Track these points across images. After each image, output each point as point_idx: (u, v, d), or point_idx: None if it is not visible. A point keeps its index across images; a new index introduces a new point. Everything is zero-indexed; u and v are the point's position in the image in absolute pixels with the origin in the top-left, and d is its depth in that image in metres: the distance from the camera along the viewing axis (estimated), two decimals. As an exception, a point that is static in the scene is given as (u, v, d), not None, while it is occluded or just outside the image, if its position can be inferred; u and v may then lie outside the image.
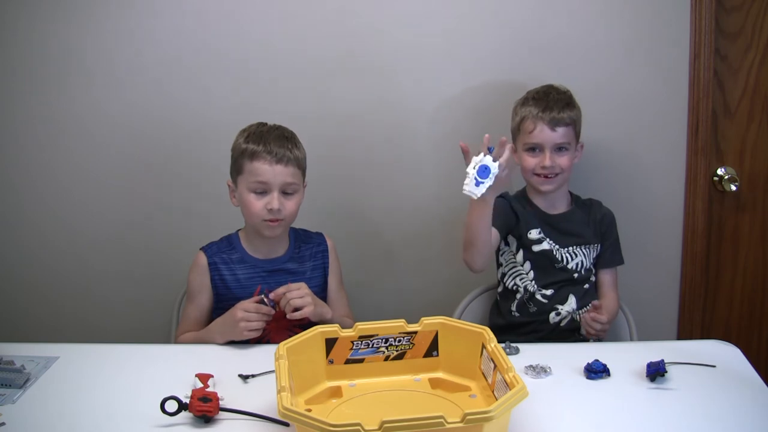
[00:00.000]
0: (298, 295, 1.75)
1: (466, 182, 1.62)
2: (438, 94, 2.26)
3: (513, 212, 2.01)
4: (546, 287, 1.98)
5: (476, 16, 2.21)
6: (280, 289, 1.77)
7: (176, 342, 1.91)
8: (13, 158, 2.31)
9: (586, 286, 1.99)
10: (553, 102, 1.94)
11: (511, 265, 2.02)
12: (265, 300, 1.76)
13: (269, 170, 1.80)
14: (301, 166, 1.85)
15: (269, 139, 1.82)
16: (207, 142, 2.28)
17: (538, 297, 1.98)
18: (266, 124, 1.89)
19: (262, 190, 1.82)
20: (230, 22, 2.21)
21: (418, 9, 2.21)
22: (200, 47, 2.22)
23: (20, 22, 2.21)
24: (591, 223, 2.03)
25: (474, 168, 1.62)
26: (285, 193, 1.82)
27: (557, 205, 2.04)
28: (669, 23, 2.19)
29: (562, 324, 1.97)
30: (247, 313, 1.73)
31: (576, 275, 1.98)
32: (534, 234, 1.99)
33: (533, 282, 1.98)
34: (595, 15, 2.20)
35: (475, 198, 1.63)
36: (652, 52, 2.21)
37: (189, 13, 2.21)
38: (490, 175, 1.63)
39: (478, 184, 1.61)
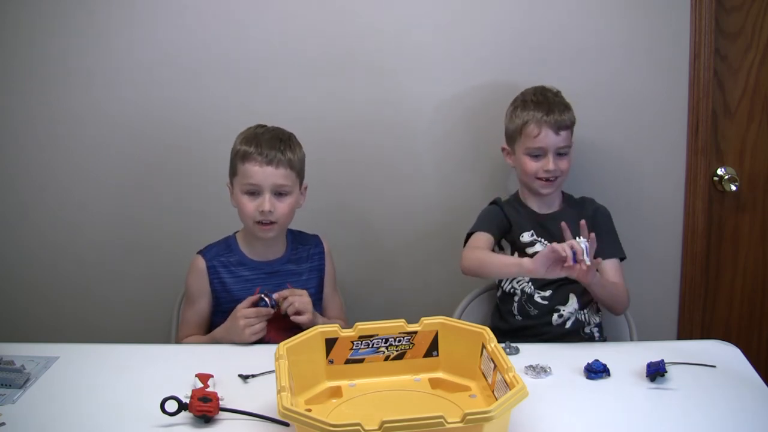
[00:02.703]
0: (300, 300, 1.79)
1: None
2: (438, 95, 2.26)
3: (506, 218, 2.01)
4: (543, 288, 1.97)
5: (476, 16, 2.21)
6: (285, 292, 1.80)
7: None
8: (13, 158, 2.31)
9: None
10: (553, 105, 1.94)
11: None
12: (265, 299, 1.77)
13: (260, 172, 1.80)
14: (294, 167, 1.84)
15: (261, 141, 1.83)
16: (207, 142, 2.28)
17: (537, 299, 1.97)
18: (265, 126, 1.90)
19: (254, 192, 1.82)
20: (230, 23, 2.21)
21: (417, 9, 2.21)
22: (200, 47, 2.22)
23: (20, 22, 2.21)
24: (584, 218, 2.02)
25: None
26: (278, 194, 1.82)
27: (550, 205, 2.04)
28: (669, 23, 2.19)
29: (566, 326, 1.96)
30: (249, 318, 1.75)
31: None
32: (526, 237, 1.99)
33: (530, 284, 1.98)
34: (595, 15, 2.20)
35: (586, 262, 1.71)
36: (652, 52, 2.21)
37: (189, 13, 2.21)
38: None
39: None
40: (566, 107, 1.97)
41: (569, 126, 1.95)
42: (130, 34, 2.22)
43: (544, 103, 1.95)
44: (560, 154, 1.95)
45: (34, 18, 2.20)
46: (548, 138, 1.93)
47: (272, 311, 1.77)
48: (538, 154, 1.95)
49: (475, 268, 1.90)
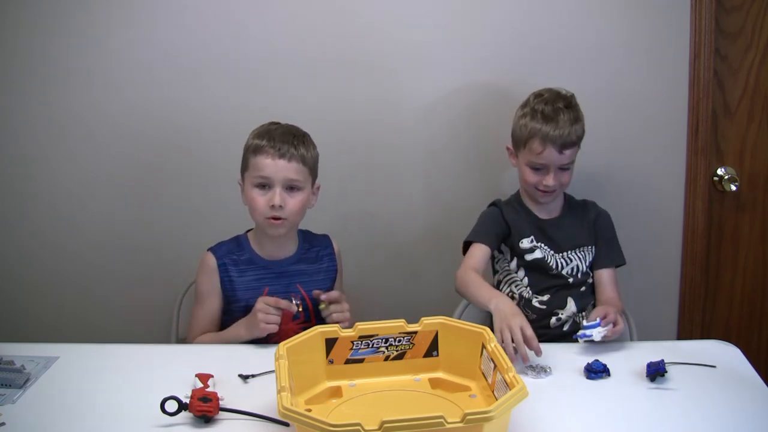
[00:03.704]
0: (340, 310, 1.77)
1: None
2: (438, 94, 2.26)
3: (505, 222, 1.99)
4: (541, 293, 1.97)
5: (476, 16, 2.21)
6: (333, 294, 1.79)
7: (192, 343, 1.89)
8: (13, 158, 2.31)
9: (583, 288, 1.98)
10: (562, 122, 1.87)
11: (506, 273, 2.01)
12: (294, 302, 1.76)
13: (271, 165, 1.79)
14: (307, 163, 1.83)
15: (275, 135, 1.81)
16: (207, 142, 2.28)
17: (535, 303, 1.96)
18: (279, 123, 1.88)
19: (265, 185, 1.81)
20: (230, 23, 2.21)
21: (417, 9, 2.21)
22: (200, 47, 2.22)
23: (20, 22, 2.21)
24: (585, 224, 2.01)
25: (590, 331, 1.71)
26: (289, 189, 1.81)
27: (551, 210, 2.02)
28: (669, 23, 2.19)
29: (564, 328, 1.96)
30: (266, 305, 1.73)
31: (571, 279, 1.97)
32: (526, 243, 1.97)
33: (528, 288, 1.97)
34: (595, 15, 2.20)
35: (579, 341, 1.72)
36: (652, 52, 2.21)
37: (189, 13, 2.21)
38: (593, 336, 1.70)
39: (585, 332, 1.71)
40: (576, 120, 1.90)
41: (575, 143, 1.90)
42: (130, 34, 2.22)
43: (553, 118, 1.88)
44: (563, 168, 1.92)
45: (34, 18, 2.20)
46: (551, 156, 1.88)
47: (294, 309, 1.76)
48: (539, 168, 1.92)
49: (462, 292, 1.90)
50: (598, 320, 1.71)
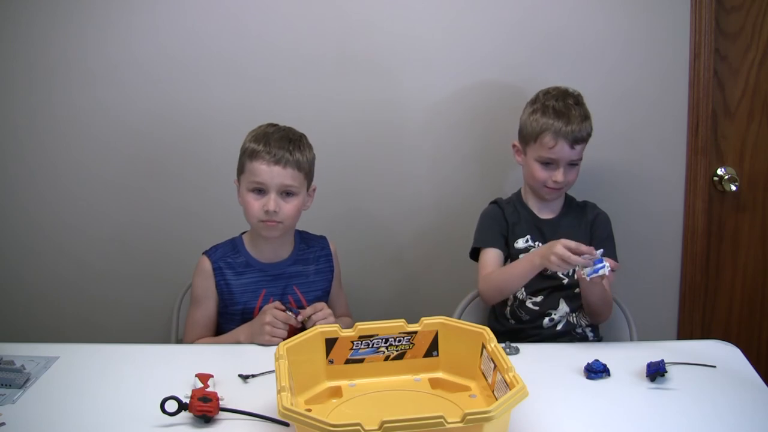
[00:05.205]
0: (322, 316, 1.77)
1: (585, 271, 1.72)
2: (440, 94, 2.26)
3: (505, 221, 2.00)
4: (535, 294, 1.97)
5: (476, 16, 2.21)
6: (308, 311, 1.78)
7: None
8: (13, 158, 2.31)
9: (577, 289, 1.98)
10: (573, 117, 1.89)
11: None
12: (291, 314, 1.76)
13: (267, 171, 1.79)
14: (302, 168, 1.82)
15: (271, 140, 1.81)
16: (207, 142, 2.28)
17: (528, 305, 1.96)
18: (276, 125, 1.88)
19: (260, 190, 1.81)
20: (231, 22, 2.21)
21: (419, 9, 2.21)
22: (201, 47, 2.22)
23: (21, 21, 2.21)
24: (583, 225, 2.01)
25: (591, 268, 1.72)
26: (284, 194, 1.82)
27: (551, 210, 2.02)
28: (669, 23, 2.19)
29: (558, 328, 1.96)
30: (276, 320, 1.74)
31: (566, 281, 1.97)
32: (521, 243, 1.98)
33: (522, 290, 1.97)
34: (595, 14, 2.20)
35: (585, 278, 1.71)
36: (652, 52, 2.21)
37: (190, 13, 2.21)
38: (601, 272, 1.70)
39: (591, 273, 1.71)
40: (585, 117, 1.92)
41: (585, 139, 1.92)
42: (132, 34, 2.22)
43: (565, 113, 1.90)
44: (571, 164, 1.93)
45: (35, 18, 2.20)
46: (563, 151, 1.89)
47: (299, 325, 1.76)
48: (549, 163, 1.93)
49: (494, 291, 1.92)
50: (600, 257, 1.71)
